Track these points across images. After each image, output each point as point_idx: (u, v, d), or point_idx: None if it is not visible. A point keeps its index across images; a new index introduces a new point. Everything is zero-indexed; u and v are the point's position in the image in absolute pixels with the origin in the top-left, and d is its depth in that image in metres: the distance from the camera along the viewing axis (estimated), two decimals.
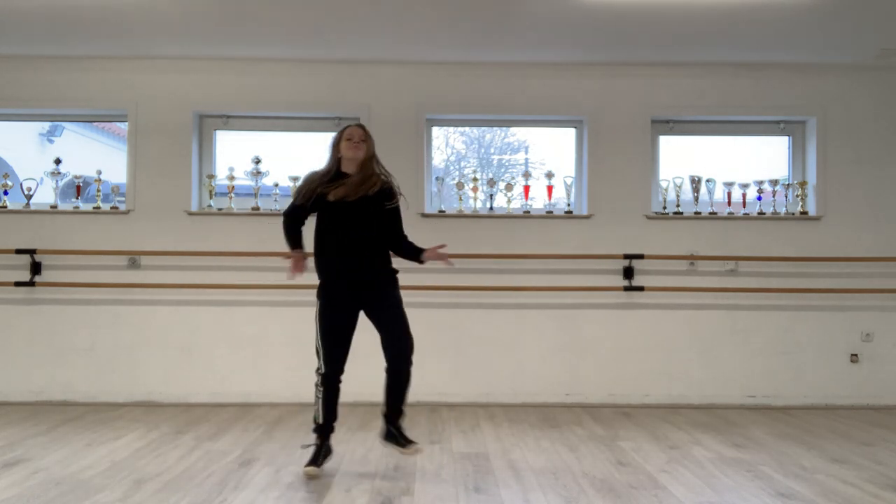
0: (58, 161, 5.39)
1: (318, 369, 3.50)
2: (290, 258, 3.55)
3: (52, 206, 5.37)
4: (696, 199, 5.47)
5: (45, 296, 5.28)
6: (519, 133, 5.95)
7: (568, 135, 5.63)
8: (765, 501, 3.15)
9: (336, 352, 3.46)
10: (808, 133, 5.55)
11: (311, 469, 3.45)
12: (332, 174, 3.50)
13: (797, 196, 5.48)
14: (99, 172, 5.41)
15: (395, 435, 3.52)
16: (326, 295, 3.49)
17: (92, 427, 4.46)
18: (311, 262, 3.56)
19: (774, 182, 5.46)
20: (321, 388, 3.49)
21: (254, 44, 5.02)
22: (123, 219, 5.35)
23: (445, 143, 5.85)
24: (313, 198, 3.47)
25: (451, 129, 5.88)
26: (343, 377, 3.52)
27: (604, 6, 4.32)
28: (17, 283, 5.22)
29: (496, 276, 5.30)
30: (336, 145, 3.53)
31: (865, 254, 5.36)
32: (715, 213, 5.46)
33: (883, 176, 5.42)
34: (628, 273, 5.34)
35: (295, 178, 5.36)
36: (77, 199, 5.45)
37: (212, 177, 5.42)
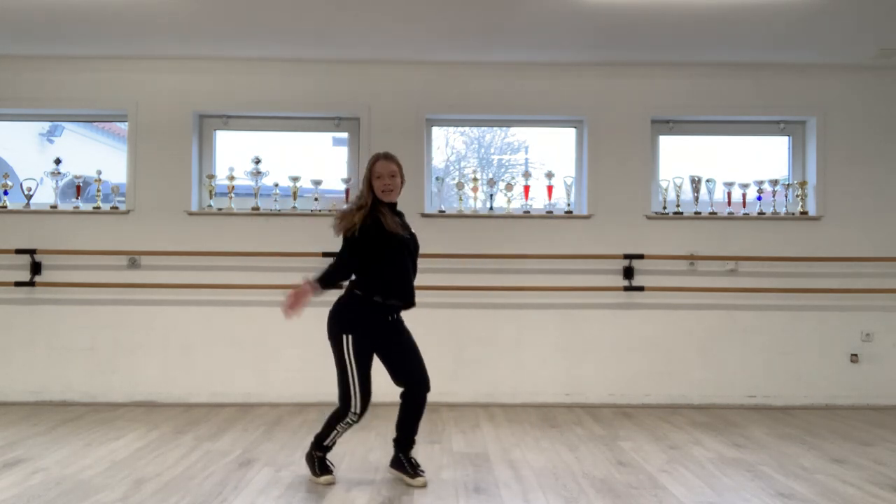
0: (58, 161, 5.39)
1: (353, 411, 3.29)
2: (299, 294, 3.23)
3: (52, 206, 5.37)
4: (696, 199, 5.47)
5: (45, 296, 5.28)
6: (519, 133, 5.94)
7: (568, 135, 5.63)
8: (765, 501, 3.15)
9: (368, 386, 3.31)
10: (808, 133, 5.55)
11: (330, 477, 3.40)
12: (370, 207, 3.29)
13: (797, 196, 5.48)
14: (99, 172, 5.41)
15: (403, 463, 3.41)
16: (369, 328, 3.31)
17: (92, 427, 4.46)
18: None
19: (774, 182, 5.46)
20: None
21: (254, 44, 5.02)
22: (123, 219, 5.35)
23: (445, 143, 5.85)
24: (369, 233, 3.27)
25: (451, 129, 5.88)
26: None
27: (604, 6, 4.32)
28: (17, 283, 5.22)
29: (496, 276, 5.30)
30: (368, 181, 3.34)
31: (865, 254, 5.36)
32: (715, 214, 5.46)
33: (883, 176, 5.42)
34: (628, 273, 5.34)
35: (295, 178, 5.37)
36: (77, 199, 5.45)
37: (212, 177, 5.41)
